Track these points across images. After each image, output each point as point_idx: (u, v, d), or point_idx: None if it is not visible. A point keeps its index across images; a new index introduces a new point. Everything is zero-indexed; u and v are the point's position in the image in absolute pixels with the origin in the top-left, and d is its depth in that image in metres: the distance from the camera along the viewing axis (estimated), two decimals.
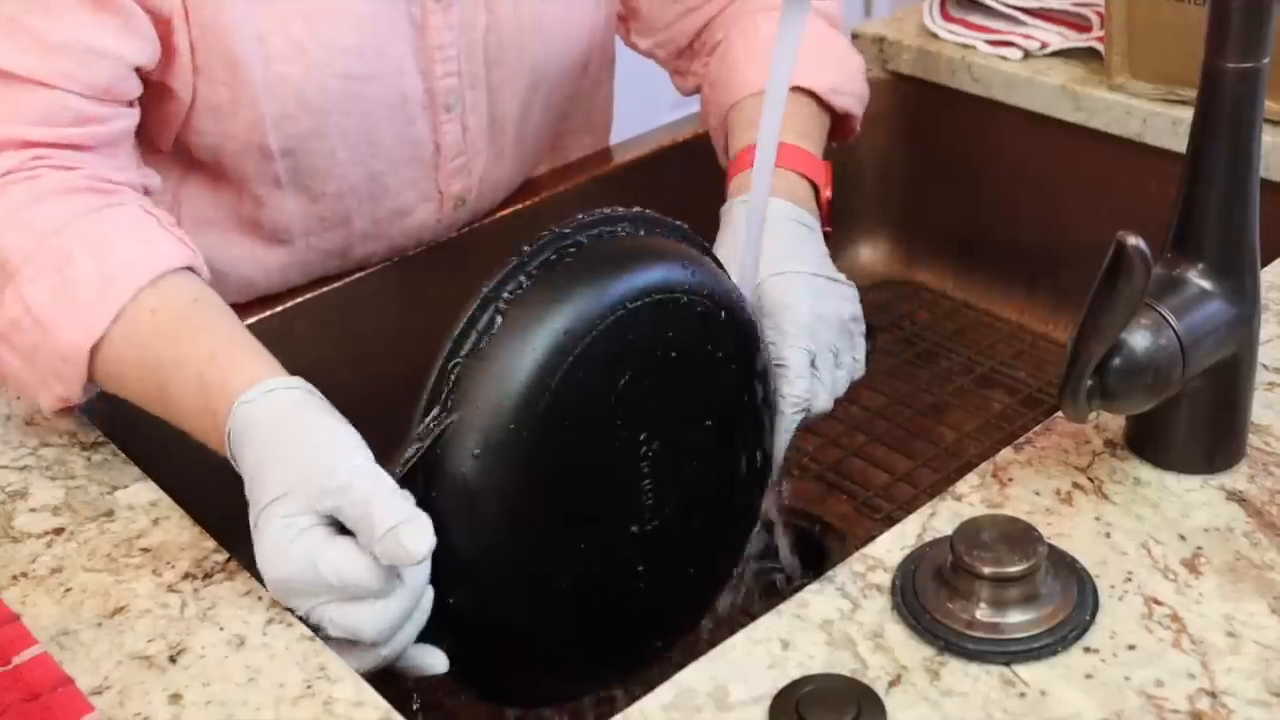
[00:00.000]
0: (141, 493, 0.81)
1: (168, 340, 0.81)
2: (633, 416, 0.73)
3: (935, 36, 1.33)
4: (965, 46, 1.31)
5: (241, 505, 0.96)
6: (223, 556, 0.76)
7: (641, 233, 0.76)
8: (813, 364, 0.85)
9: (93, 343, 0.81)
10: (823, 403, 0.86)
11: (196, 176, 1.01)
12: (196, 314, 0.83)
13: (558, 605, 0.73)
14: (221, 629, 0.71)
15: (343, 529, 0.68)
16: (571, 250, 0.72)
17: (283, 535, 0.69)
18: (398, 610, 0.68)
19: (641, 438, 0.74)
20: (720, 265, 0.81)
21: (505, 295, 0.70)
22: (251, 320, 1.02)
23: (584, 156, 1.23)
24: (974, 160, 1.34)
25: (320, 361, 1.04)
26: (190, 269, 0.86)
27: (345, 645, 0.69)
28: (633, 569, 0.76)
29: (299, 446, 0.72)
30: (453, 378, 0.70)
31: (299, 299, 1.06)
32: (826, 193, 1.00)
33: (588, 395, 0.71)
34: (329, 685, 0.67)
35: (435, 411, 0.69)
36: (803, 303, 0.86)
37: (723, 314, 0.77)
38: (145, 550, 0.77)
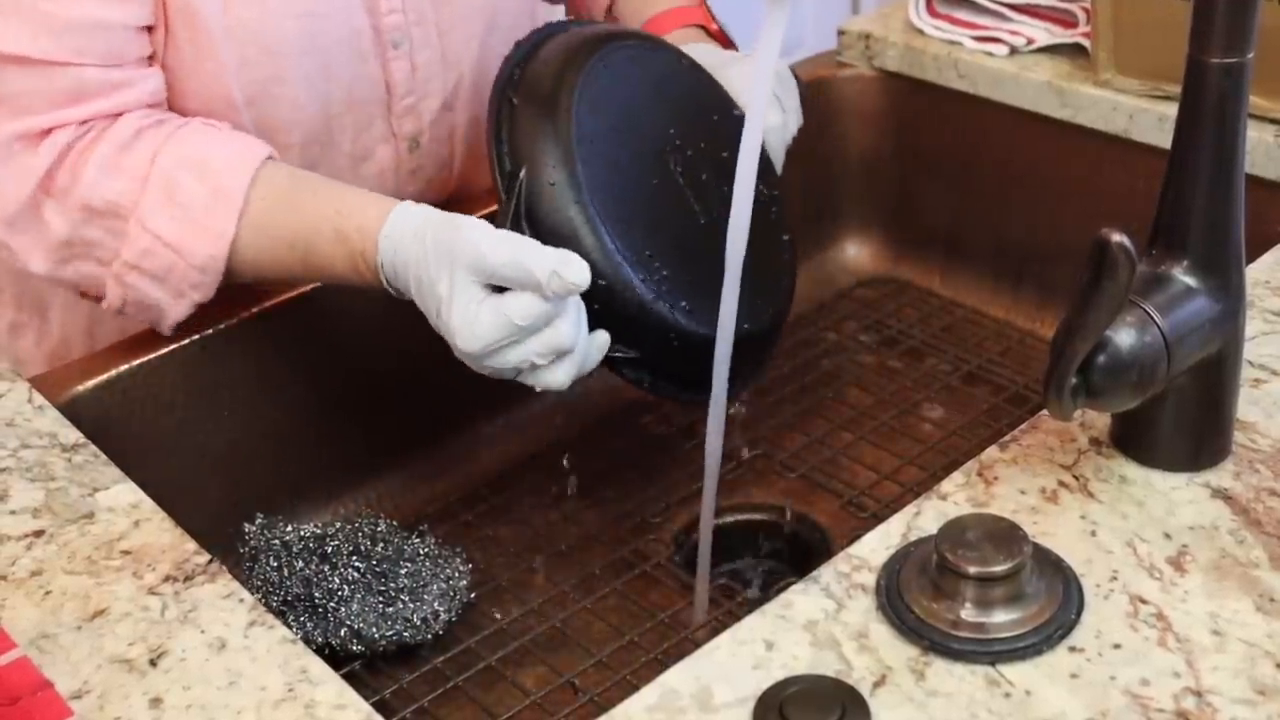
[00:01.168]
0: (122, 494, 0.81)
1: (290, 215, 0.92)
2: (653, 133, 0.95)
3: (921, 33, 1.33)
4: (951, 43, 1.30)
5: (224, 506, 0.97)
6: (204, 559, 0.75)
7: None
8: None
9: (226, 250, 0.91)
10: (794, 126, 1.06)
11: None
12: (299, 186, 0.93)
13: (669, 285, 0.90)
14: (202, 632, 0.71)
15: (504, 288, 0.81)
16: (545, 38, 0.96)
17: (468, 313, 0.81)
18: (579, 316, 0.83)
19: (668, 148, 0.96)
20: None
21: (511, 86, 0.92)
22: (232, 320, 1.02)
23: None
24: (960, 157, 1.34)
25: (304, 361, 1.04)
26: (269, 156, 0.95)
27: (548, 372, 0.84)
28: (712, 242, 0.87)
29: (440, 244, 0.83)
30: (504, 150, 0.90)
31: (280, 299, 1.05)
32: (713, 26, 1.13)
33: (604, 118, 0.91)
34: (311, 688, 0.67)
35: (508, 172, 0.89)
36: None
37: (684, 61, 1.02)
38: (126, 552, 0.76)
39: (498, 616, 0.98)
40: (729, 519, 1.05)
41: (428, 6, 1.03)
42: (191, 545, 0.76)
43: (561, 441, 1.15)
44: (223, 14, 0.93)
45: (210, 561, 0.75)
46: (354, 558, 0.96)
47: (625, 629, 0.97)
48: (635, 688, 0.68)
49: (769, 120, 1.02)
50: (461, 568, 0.98)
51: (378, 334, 1.08)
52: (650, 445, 1.15)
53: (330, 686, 0.67)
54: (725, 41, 1.13)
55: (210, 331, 1.00)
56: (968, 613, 0.67)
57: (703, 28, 1.13)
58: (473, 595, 0.98)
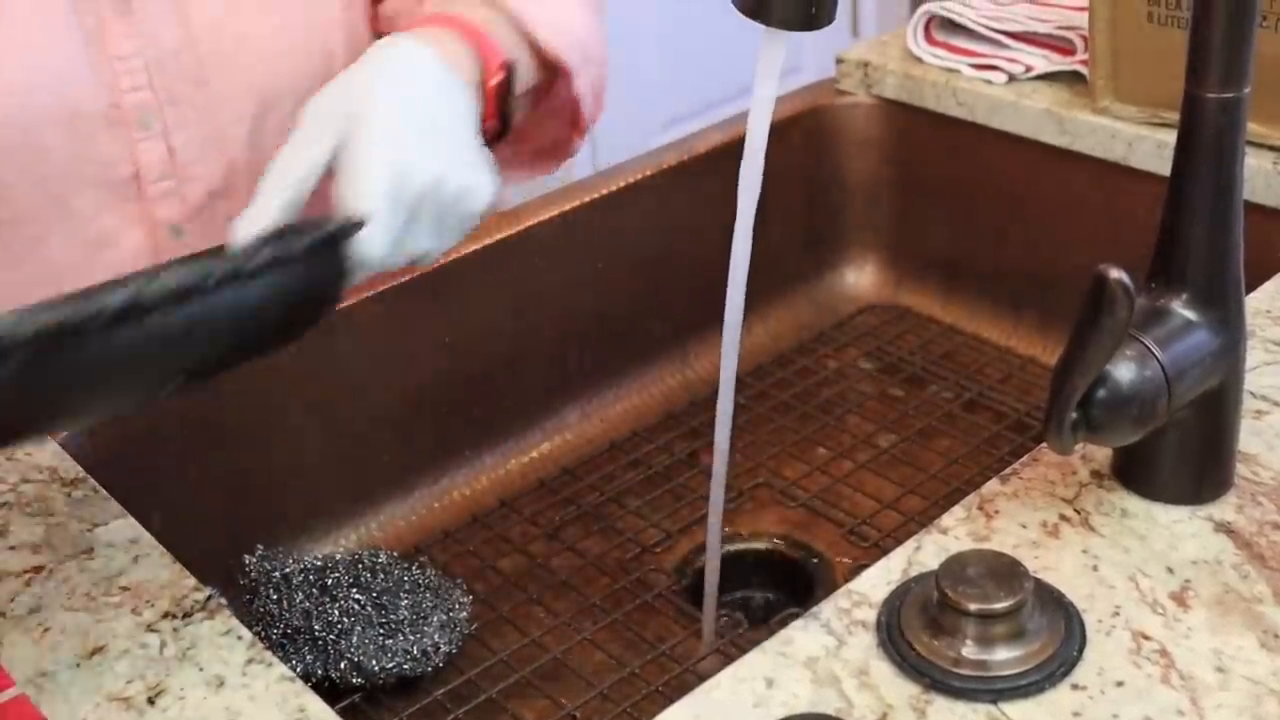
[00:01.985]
0: (122, 530, 0.80)
1: None
2: None
3: (920, 61, 1.33)
4: (950, 70, 1.30)
5: (223, 538, 0.96)
6: (203, 595, 0.75)
7: None
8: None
9: None
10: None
11: None
12: None
13: None
14: (201, 669, 0.70)
15: None
16: None
17: None
18: None
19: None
20: None
21: None
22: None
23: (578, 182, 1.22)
24: (960, 184, 1.34)
25: (305, 390, 1.04)
26: None
27: None
28: None
29: None
30: None
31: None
32: (494, 79, 0.89)
33: None
34: None
35: None
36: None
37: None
38: (125, 589, 0.76)
39: (498, 648, 0.98)
40: (729, 548, 1.05)
41: (181, 84, 0.96)
42: (190, 581, 0.76)
43: (562, 470, 1.15)
44: None
45: (209, 598, 0.75)
46: (354, 590, 0.96)
47: (626, 660, 0.96)
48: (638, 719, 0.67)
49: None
50: (462, 599, 0.98)
51: (377, 366, 1.09)
52: (650, 474, 1.15)
53: None
54: (492, 108, 0.90)
55: None
56: (969, 650, 0.67)
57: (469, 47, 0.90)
58: (473, 626, 0.98)
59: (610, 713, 0.92)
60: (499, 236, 1.14)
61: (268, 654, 0.71)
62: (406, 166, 0.78)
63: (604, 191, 1.20)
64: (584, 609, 1.02)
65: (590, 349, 1.20)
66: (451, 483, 1.13)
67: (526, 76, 0.94)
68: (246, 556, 0.96)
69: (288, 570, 0.95)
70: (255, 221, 0.76)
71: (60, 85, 0.92)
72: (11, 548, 0.80)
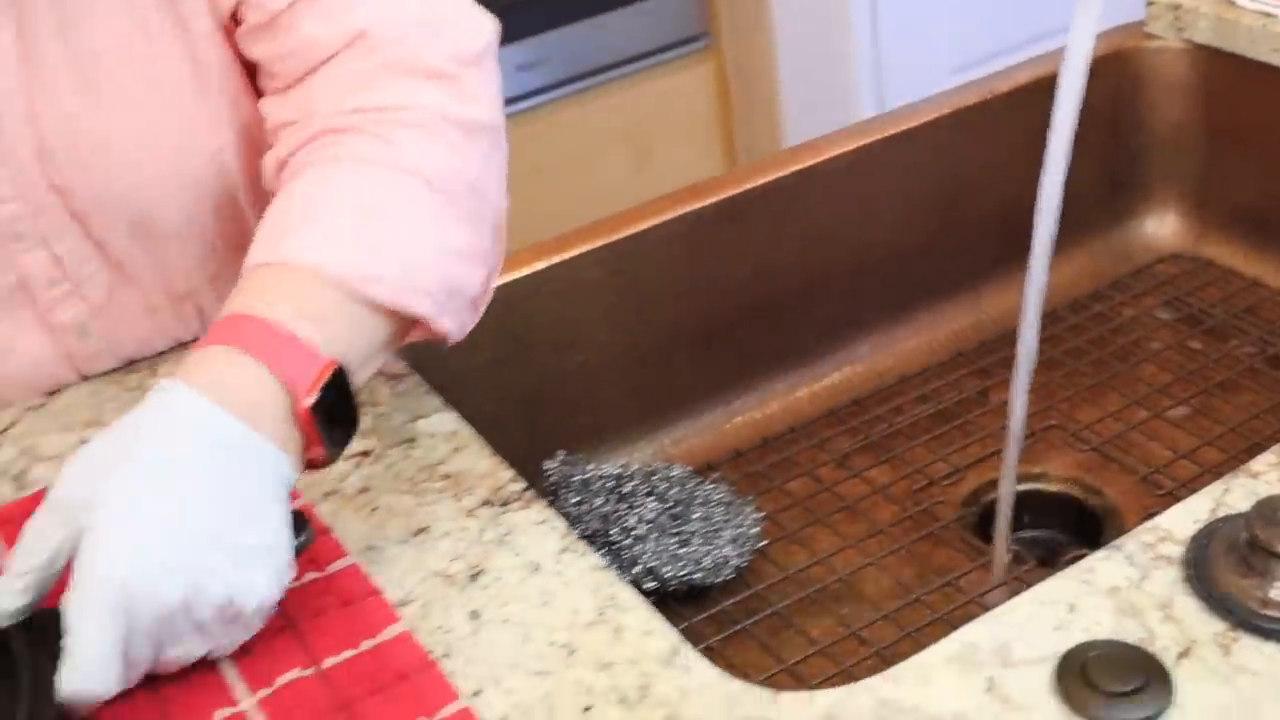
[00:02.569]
0: (443, 422, 0.85)
1: None
2: None
3: (1234, 4, 1.29)
4: (1266, 15, 1.26)
5: (527, 443, 1.00)
6: (519, 486, 0.79)
7: None
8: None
9: None
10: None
11: None
12: None
13: None
14: (517, 554, 0.74)
15: None
16: None
17: None
18: None
19: None
20: None
21: None
22: (540, 266, 1.06)
23: (859, 123, 1.22)
24: (1272, 133, 1.29)
25: (609, 310, 1.08)
26: None
27: None
28: None
29: None
30: None
31: (589, 246, 1.09)
32: (306, 400, 0.70)
33: None
34: (620, 614, 0.70)
35: None
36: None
37: None
38: (446, 476, 0.80)
39: (786, 565, 1.00)
40: (1019, 487, 1.04)
41: (46, 194, 0.86)
42: (508, 473, 0.80)
43: (851, 401, 1.16)
44: None
45: (526, 489, 0.79)
46: (650, 498, 0.99)
47: (912, 587, 0.97)
48: (922, 645, 0.68)
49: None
50: (753, 515, 1.01)
51: (678, 287, 1.11)
52: (939, 410, 1.15)
53: (639, 613, 0.70)
54: (310, 437, 0.71)
55: (513, 278, 1.04)
56: (1278, 592, 0.66)
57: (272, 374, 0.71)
58: (763, 543, 1.00)
59: (895, 636, 0.94)
60: (798, 167, 1.16)
61: (580, 544, 0.74)
62: (138, 587, 0.64)
63: (903, 128, 1.20)
64: (871, 535, 1.03)
65: (884, 284, 1.21)
66: (743, 405, 1.16)
67: (370, 351, 0.77)
68: (548, 461, 1.00)
69: (587, 476, 0.99)
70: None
71: None
72: None
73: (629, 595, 0.71)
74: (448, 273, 0.79)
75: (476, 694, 0.66)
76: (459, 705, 0.65)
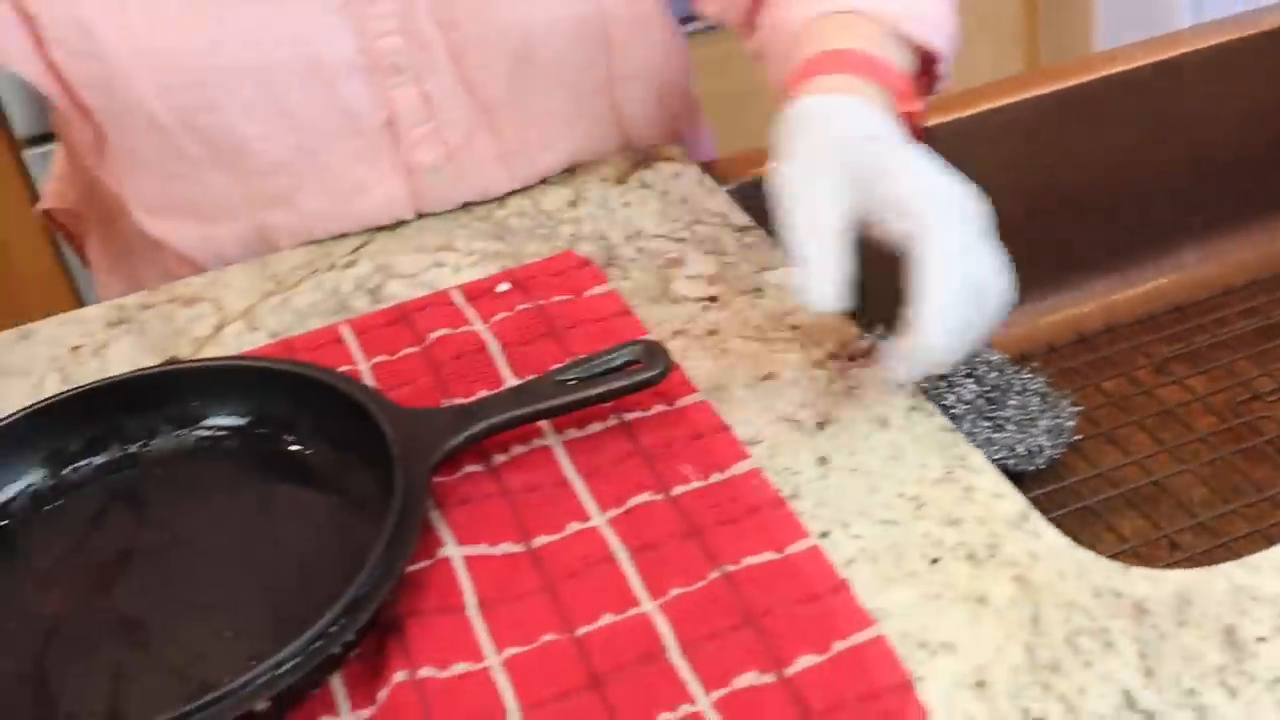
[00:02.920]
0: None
1: None
2: None
3: None
4: None
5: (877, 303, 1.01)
6: (866, 343, 0.79)
7: None
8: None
9: None
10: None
11: (130, 164, 0.96)
12: None
13: None
14: (866, 408, 0.75)
15: None
16: None
17: None
18: None
19: None
20: None
21: None
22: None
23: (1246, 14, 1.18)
24: None
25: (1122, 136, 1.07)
26: None
27: None
28: None
29: None
30: None
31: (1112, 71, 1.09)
32: (913, 105, 0.81)
33: None
34: (970, 474, 0.70)
35: None
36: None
37: None
38: (794, 327, 0.81)
39: (1099, 462, 0.99)
40: None
41: (430, 29, 0.91)
42: (855, 330, 0.81)
43: (1173, 307, 1.14)
44: (129, 36, 0.88)
45: (873, 347, 0.79)
46: (969, 380, 0.99)
47: (1228, 498, 0.96)
48: (1237, 554, 0.67)
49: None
50: (1069, 409, 1.00)
51: (1007, 173, 1.10)
52: (1266, 325, 1.12)
53: (989, 476, 0.70)
54: (911, 89, 0.82)
55: None
56: None
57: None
58: (1077, 437, 0.99)
59: (1207, 544, 0.92)
60: (1145, 62, 1.12)
61: (929, 405, 0.75)
62: (972, 278, 0.72)
63: (1265, 28, 1.16)
64: (1187, 442, 1.01)
65: (1220, 191, 1.18)
66: (1060, 301, 1.14)
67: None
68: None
69: None
70: (823, 282, 0.72)
71: (305, 36, 0.89)
72: (689, 277, 0.87)
73: (979, 458, 0.71)
74: (952, 19, 0.88)
75: (824, 535, 0.68)
76: (808, 543, 0.67)
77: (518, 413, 0.72)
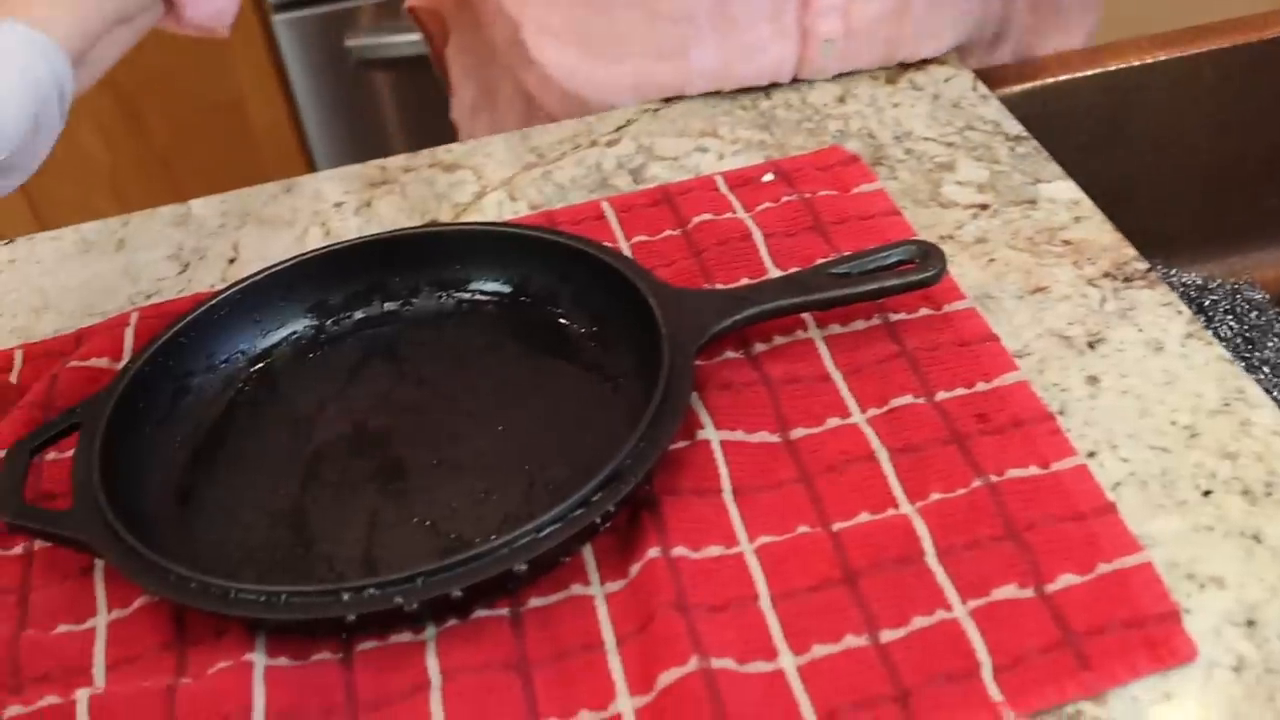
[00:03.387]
0: (1063, 190, 0.83)
1: None
2: None
3: None
4: None
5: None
6: (1143, 265, 0.77)
7: None
8: None
9: None
10: None
11: None
12: None
13: None
14: (1140, 330, 0.73)
15: None
16: None
17: None
18: None
19: None
20: None
21: None
22: (1154, 58, 1.01)
23: None
24: None
25: (1214, 116, 1.03)
26: None
27: None
28: None
29: None
30: None
31: (1209, 47, 1.03)
32: None
33: None
34: (1248, 409, 0.68)
35: None
36: None
37: None
38: (1066, 242, 0.79)
39: None
40: None
41: None
42: (1131, 251, 0.78)
43: None
44: None
45: (1150, 270, 0.76)
46: (1229, 317, 0.95)
47: None
48: None
49: None
50: None
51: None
52: None
53: (1270, 411, 0.67)
54: None
55: (1124, 66, 1.00)
56: None
57: None
58: None
59: None
60: None
61: (1206, 333, 0.72)
62: None
63: None
64: None
65: None
66: None
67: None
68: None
69: (1170, 279, 0.96)
70: None
71: None
72: (959, 183, 0.84)
73: (1258, 392, 0.68)
74: None
75: (1091, 455, 0.66)
76: (1075, 461, 0.65)
77: (787, 301, 0.71)
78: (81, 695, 0.60)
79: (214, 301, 0.77)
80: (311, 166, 2.12)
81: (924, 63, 0.97)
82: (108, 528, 0.64)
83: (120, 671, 0.63)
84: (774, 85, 0.96)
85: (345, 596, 0.59)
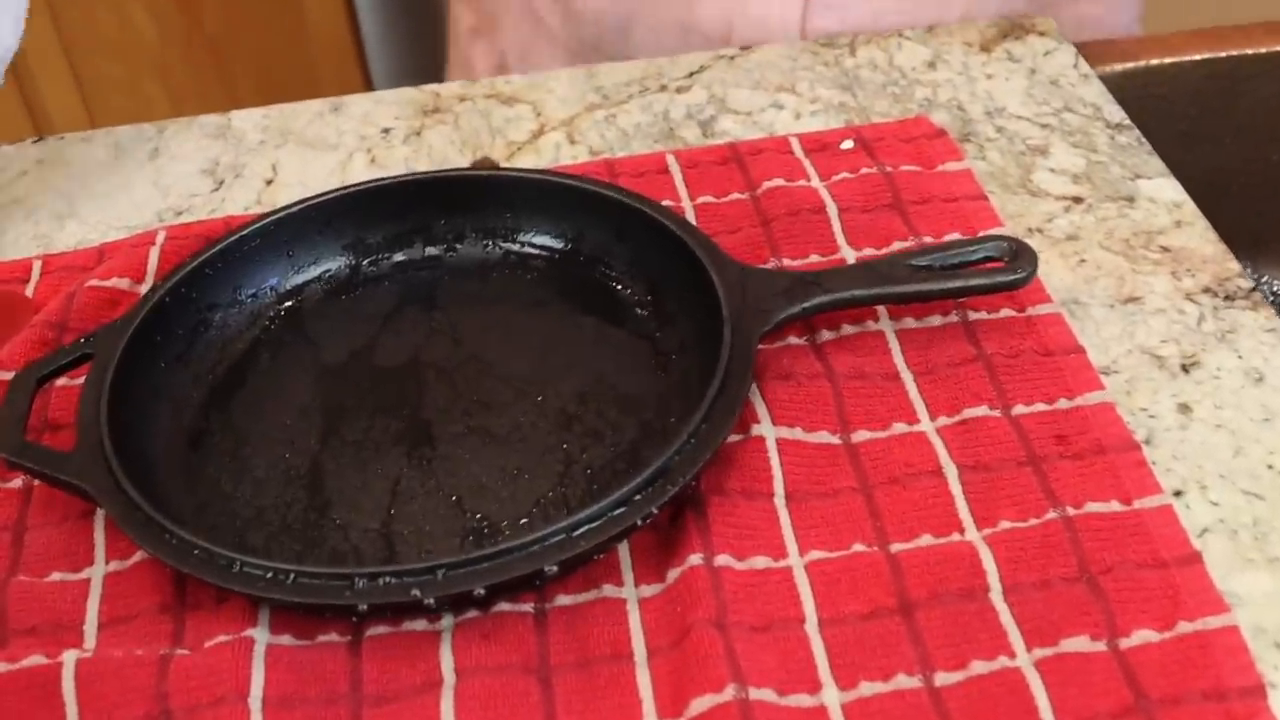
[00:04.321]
0: (1165, 189, 0.77)
1: None
2: None
3: None
4: None
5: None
6: (1247, 284, 0.71)
7: None
8: None
9: None
10: None
11: None
12: None
13: None
14: (1239, 357, 0.67)
15: None
16: None
17: None
18: None
19: None
20: None
21: None
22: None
23: None
24: None
25: None
26: None
27: None
28: None
29: None
30: None
31: None
32: None
33: None
34: None
35: None
36: None
37: None
38: (1164, 249, 0.73)
39: None
40: None
41: None
42: (1234, 265, 0.72)
43: None
44: None
45: (1254, 289, 0.71)
46: None
47: None
48: None
49: None
50: None
51: None
52: None
53: None
54: None
55: (1239, 54, 0.93)
56: None
57: None
58: None
59: None
60: None
61: None
62: None
63: None
64: None
65: None
66: None
67: None
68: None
69: (1260, 288, 0.90)
70: None
71: None
72: (1052, 170, 0.78)
73: None
74: None
75: (1177, 494, 0.61)
76: (1160, 500, 0.60)
77: (861, 292, 0.66)
78: (69, 658, 0.56)
79: (246, 231, 0.71)
80: (365, 73, 2.06)
81: (1023, 31, 0.90)
82: (110, 476, 0.59)
83: (113, 631, 0.58)
84: (859, 42, 0.90)
85: (359, 583, 0.54)
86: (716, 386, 0.60)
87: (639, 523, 0.57)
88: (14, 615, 0.59)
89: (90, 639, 0.58)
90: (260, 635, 0.57)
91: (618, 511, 0.56)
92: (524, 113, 0.85)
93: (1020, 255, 0.66)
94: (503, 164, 0.81)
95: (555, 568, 0.55)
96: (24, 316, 0.73)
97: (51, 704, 0.55)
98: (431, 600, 0.54)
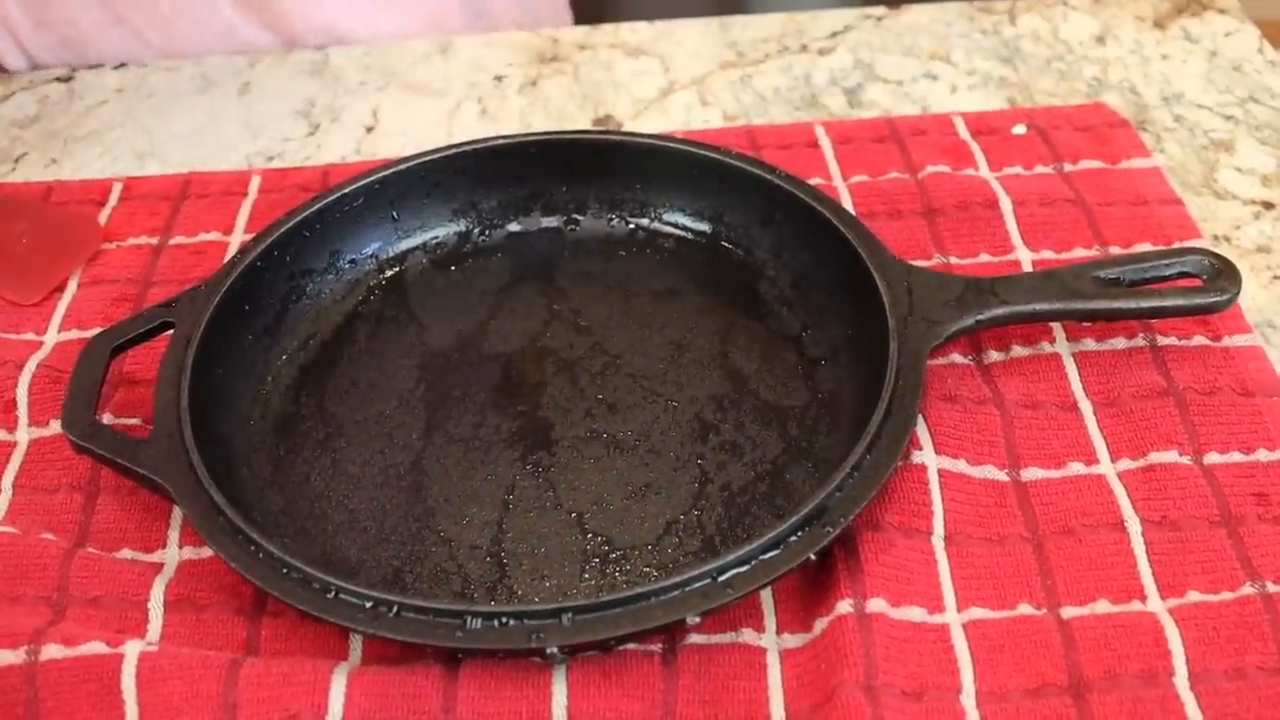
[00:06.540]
0: None
1: None
2: None
3: None
4: None
5: None
6: None
7: None
8: None
9: None
10: None
11: None
12: None
13: None
14: None
15: None
16: None
17: None
18: None
19: None
20: None
21: None
22: None
23: None
24: None
25: None
26: None
27: None
28: None
29: None
30: None
31: None
32: None
33: None
34: None
35: None
36: None
37: None
38: None
39: None
40: None
41: None
42: None
43: None
44: None
45: None
46: None
47: None
48: None
49: None
50: None
51: None
52: None
53: None
54: None
55: None
56: None
57: None
58: None
59: None
60: None
61: None
62: None
63: None
64: None
65: None
66: None
67: None
68: None
69: None
70: None
71: None
72: (1239, 169, 0.70)
73: None
74: None
75: None
76: None
77: (1044, 306, 0.58)
78: (131, 650, 0.50)
79: (348, 189, 0.64)
80: None
81: (1201, 7, 0.82)
82: (190, 473, 0.53)
83: (181, 616, 0.52)
84: (1019, 9, 0.82)
85: (471, 624, 0.48)
86: (883, 412, 0.53)
87: (792, 569, 0.50)
88: (75, 582, 0.53)
89: (156, 623, 0.52)
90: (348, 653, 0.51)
91: (769, 555, 0.49)
92: (651, 66, 0.78)
93: (1222, 274, 0.59)
94: (627, 124, 0.74)
95: (699, 618, 0.49)
96: (92, 242, 0.67)
97: (110, 700, 0.49)
98: (555, 649, 0.48)
